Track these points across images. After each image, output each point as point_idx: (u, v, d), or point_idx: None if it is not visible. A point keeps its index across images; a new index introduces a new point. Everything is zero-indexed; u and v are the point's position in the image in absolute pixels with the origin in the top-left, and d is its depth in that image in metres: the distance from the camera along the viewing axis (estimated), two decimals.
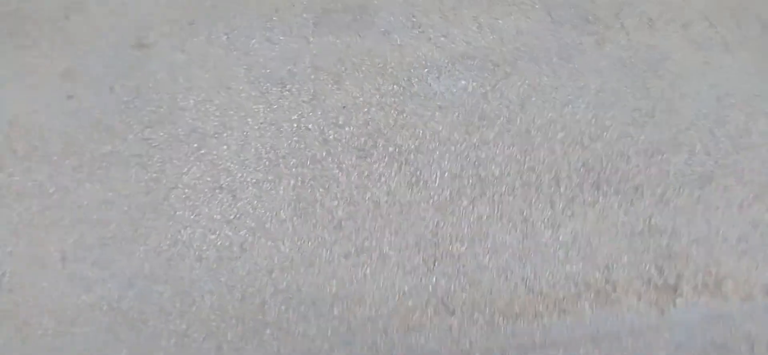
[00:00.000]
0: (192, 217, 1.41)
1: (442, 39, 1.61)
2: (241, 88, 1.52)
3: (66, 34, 1.58)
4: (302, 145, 1.46)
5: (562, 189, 1.40)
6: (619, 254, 1.35)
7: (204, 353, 1.31)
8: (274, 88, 1.52)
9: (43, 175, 1.46)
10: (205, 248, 1.38)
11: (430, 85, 1.53)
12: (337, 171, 1.43)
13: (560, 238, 1.36)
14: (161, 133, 1.48)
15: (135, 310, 1.35)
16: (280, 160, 1.44)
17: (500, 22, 1.63)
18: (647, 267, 1.33)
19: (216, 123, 1.49)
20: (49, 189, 1.45)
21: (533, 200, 1.40)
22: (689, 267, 1.33)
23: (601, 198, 1.39)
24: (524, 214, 1.39)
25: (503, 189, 1.41)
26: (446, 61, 1.55)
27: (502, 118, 1.48)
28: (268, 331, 1.32)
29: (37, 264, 1.40)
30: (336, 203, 1.40)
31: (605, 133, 1.46)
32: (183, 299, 1.35)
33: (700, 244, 1.34)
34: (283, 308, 1.34)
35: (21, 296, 1.37)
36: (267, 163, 1.45)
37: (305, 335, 1.31)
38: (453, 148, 1.46)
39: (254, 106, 1.50)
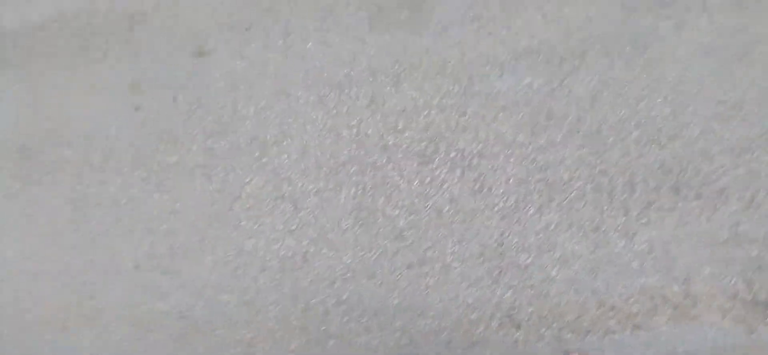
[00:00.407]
0: (255, 227, 1.43)
1: (504, 32, 1.52)
2: (299, 94, 1.52)
3: (131, 45, 1.62)
4: (362, 152, 1.44)
5: (637, 194, 1.32)
6: (701, 265, 1.26)
7: None
8: (332, 93, 1.50)
9: (115, 187, 1.53)
10: (268, 258, 1.41)
11: (493, 83, 1.46)
12: (398, 178, 1.40)
13: (635, 247, 1.29)
14: (223, 143, 1.51)
15: (204, 319, 1.40)
16: (340, 167, 1.44)
17: (566, 10, 1.52)
18: (733, 280, 1.24)
19: (276, 131, 1.49)
20: (122, 200, 1.52)
21: (605, 207, 1.32)
22: None
23: (680, 203, 1.30)
24: (595, 222, 1.31)
25: (572, 195, 1.34)
26: (509, 56, 1.47)
27: (570, 117, 1.40)
28: (331, 342, 1.34)
29: (114, 272, 1.48)
30: (397, 211, 1.38)
31: (685, 131, 1.34)
32: (249, 309, 1.39)
33: None
34: (345, 319, 1.34)
35: (101, 301, 1.46)
36: (327, 171, 1.44)
37: (368, 346, 1.32)
38: (518, 151, 1.39)
39: (313, 113, 1.50)
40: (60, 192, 1.58)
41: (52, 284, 1.50)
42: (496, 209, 1.36)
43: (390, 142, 1.44)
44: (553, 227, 1.33)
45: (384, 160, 1.43)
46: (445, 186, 1.40)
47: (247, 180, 1.48)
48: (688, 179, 1.32)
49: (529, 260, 1.32)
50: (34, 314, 1.49)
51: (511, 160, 1.39)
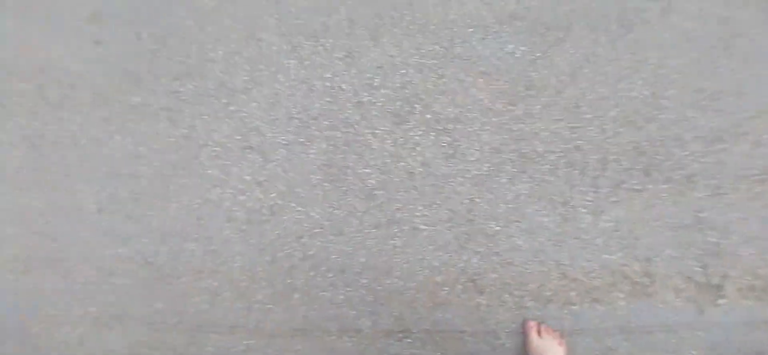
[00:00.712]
0: (222, 176, 1.40)
1: None
2: (272, 40, 1.44)
3: None
4: (335, 107, 1.40)
5: (608, 172, 1.32)
6: (662, 246, 1.29)
7: (234, 312, 1.35)
8: (307, 43, 1.43)
9: (75, 126, 1.46)
10: (235, 208, 1.38)
11: (474, 47, 1.41)
12: (371, 137, 1.37)
13: (601, 225, 1.30)
14: (190, 86, 1.44)
15: (168, 266, 1.38)
16: (312, 121, 1.39)
17: None
18: (691, 263, 1.28)
19: (246, 78, 1.43)
20: (82, 140, 1.45)
21: (576, 182, 1.32)
22: (737, 268, 1.26)
23: (649, 185, 1.31)
24: (565, 196, 1.32)
25: (545, 168, 1.34)
26: (493, 20, 1.41)
27: (550, 89, 1.37)
28: (296, 296, 1.34)
29: (76, 214, 1.43)
30: (368, 170, 1.36)
31: (662, 115, 1.34)
32: (214, 258, 1.37)
33: (752, 244, 1.27)
34: (311, 274, 1.35)
35: (63, 244, 1.42)
36: (298, 123, 1.40)
37: (332, 301, 1.33)
38: (495, 119, 1.37)
39: (285, 61, 1.43)
40: (14, 127, 1.50)
41: (12, 226, 1.45)
42: (468, 175, 1.35)
43: (364, 99, 1.40)
44: (523, 197, 1.34)
45: (357, 117, 1.39)
46: (418, 148, 1.37)
47: (215, 127, 1.42)
48: (659, 162, 1.32)
49: (497, 228, 1.33)
50: None
51: (487, 127, 1.37)
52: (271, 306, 1.36)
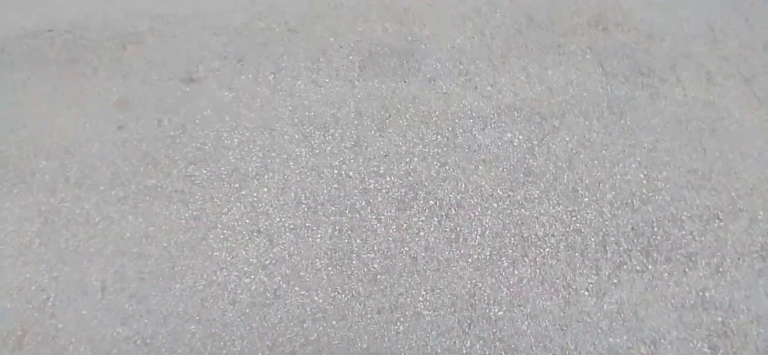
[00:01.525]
0: (229, 258, 1.49)
1: (489, 88, 1.65)
2: (284, 129, 1.61)
3: (122, 64, 1.72)
4: (342, 193, 1.52)
5: (608, 254, 1.41)
6: (668, 328, 1.34)
7: None
8: (317, 132, 1.60)
9: (90, 204, 1.59)
10: (239, 291, 1.46)
11: (475, 136, 1.57)
12: (376, 222, 1.49)
13: (605, 307, 1.37)
14: (204, 171, 1.59)
15: (167, 348, 1.43)
16: (319, 207, 1.52)
17: (550, 72, 1.66)
18: (699, 345, 1.32)
19: (258, 164, 1.58)
20: (95, 218, 1.57)
21: (578, 265, 1.41)
22: (747, 348, 1.30)
23: (650, 266, 1.39)
24: (567, 279, 1.40)
25: (546, 251, 1.43)
26: (492, 111, 1.59)
27: (548, 175, 1.50)
28: None
29: (79, 291, 1.51)
30: (372, 255, 1.46)
31: (657, 196, 1.46)
32: (214, 341, 1.43)
33: (760, 323, 1.32)
34: None
35: (62, 321, 1.48)
36: (306, 209, 1.52)
37: None
38: (496, 204, 1.49)
39: (297, 150, 1.59)
40: (32, 203, 1.63)
41: (13, 298, 1.52)
42: (470, 259, 1.44)
43: (370, 186, 1.54)
44: (525, 281, 1.41)
45: (363, 203, 1.52)
46: (421, 233, 1.48)
47: (225, 211, 1.55)
48: (658, 242, 1.42)
49: (500, 313, 1.39)
50: None
51: (488, 212, 1.49)
52: None
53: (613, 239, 1.43)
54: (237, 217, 1.53)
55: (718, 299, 1.35)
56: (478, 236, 1.45)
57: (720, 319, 1.34)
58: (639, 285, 1.38)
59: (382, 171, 1.54)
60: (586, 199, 1.48)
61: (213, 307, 1.45)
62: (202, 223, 1.53)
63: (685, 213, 1.44)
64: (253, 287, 1.46)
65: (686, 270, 1.38)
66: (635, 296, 1.37)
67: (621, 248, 1.42)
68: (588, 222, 1.45)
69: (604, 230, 1.44)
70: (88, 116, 1.69)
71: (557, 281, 1.40)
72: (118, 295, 1.50)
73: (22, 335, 1.49)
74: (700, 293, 1.36)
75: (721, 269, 1.37)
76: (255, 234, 1.50)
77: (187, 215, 1.55)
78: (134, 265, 1.52)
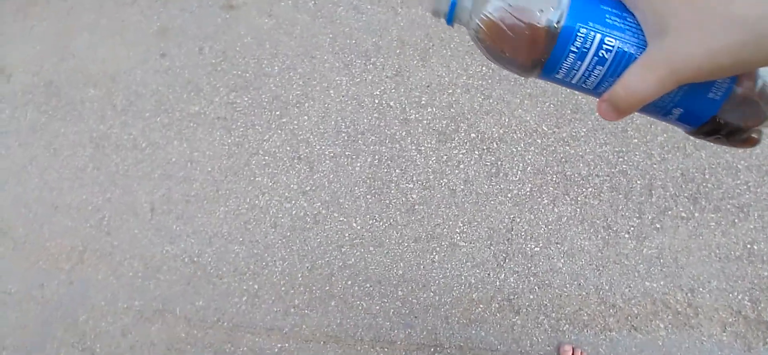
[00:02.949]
0: (270, 184, 1.70)
1: None
2: (325, 57, 1.77)
3: None
4: (382, 123, 1.69)
5: (653, 198, 1.53)
6: (709, 277, 1.46)
7: (272, 315, 1.62)
8: (358, 61, 1.75)
9: (136, 130, 1.82)
10: (280, 215, 1.68)
11: None
12: (416, 153, 1.65)
13: (644, 251, 1.50)
14: (246, 99, 1.78)
15: (212, 266, 1.68)
16: (359, 136, 1.69)
17: None
18: (739, 297, 1.44)
19: (298, 92, 1.75)
20: (142, 143, 1.81)
21: (620, 207, 1.53)
22: None
23: (696, 214, 1.50)
24: (608, 220, 1.53)
25: (589, 191, 1.56)
26: None
27: (597, 113, 1.61)
28: (332, 303, 1.60)
29: (130, 212, 1.77)
30: (411, 185, 1.63)
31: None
32: (256, 262, 1.66)
33: None
34: (349, 283, 1.60)
35: (117, 239, 1.75)
36: (346, 137, 1.70)
37: (368, 311, 1.58)
38: (539, 140, 1.61)
39: (337, 78, 1.75)
40: (83, 130, 1.88)
41: (71, 218, 1.80)
42: (509, 194, 1.59)
43: (411, 116, 1.69)
44: (564, 219, 1.56)
45: (403, 134, 1.68)
46: (461, 166, 1.63)
47: (266, 137, 1.75)
48: (708, 190, 1.52)
49: (536, 249, 1.55)
50: (53, 243, 1.80)
51: (532, 148, 1.62)
52: (307, 311, 1.62)
53: (659, 183, 1.54)
54: (278, 144, 1.72)
55: (766, 253, 1.46)
56: (519, 172, 1.59)
57: (766, 273, 1.44)
58: (683, 232, 1.50)
59: (423, 102, 1.69)
60: (636, 140, 1.58)
61: (255, 229, 1.68)
62: (244, 149, 1.74)
63: (743, 162, 1.52)
64: (294, 211, 1.67)
65: (735, 221, 1.48)
66: (677, 243, 1.49)
67: (667, 193, 1.53)
68: (635, 164, 1.56)
69: (651, 173, 1.55)
70: (130, 45, 1.89)
71: (597, 221, 1.54)
72: (166, 216, 1.75)
73: (83, 251, 1.77)
74: (748, 246, 1.47)
75: None
76: (296, 161, 1.70)
77: (229, 141, 1.76)
78: (180, 188, 1.76)
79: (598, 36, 0.38)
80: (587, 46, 0.38)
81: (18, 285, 1.77)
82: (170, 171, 1.77)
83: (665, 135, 1.56)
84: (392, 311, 1.56)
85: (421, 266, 1.57)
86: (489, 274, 1.54)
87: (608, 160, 1.57)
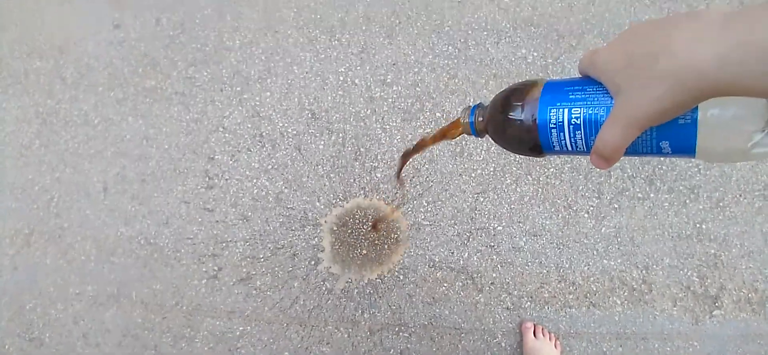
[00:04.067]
0: (230, 162, 1.79)
1: (507, 0, 1.87)
2: (288, 32, 1.86)
3: None
4: (346, 101, 1.80)
5: (612, 180, 1.69)
6: (662, 255, 1.64)
7: (233, 296, 1.72)
8: (323, 36, 1.85)
9: (88, 105, 1.87)
10: (241, 194, 1.77)
11: (488, 50, 1.81)
12: (380, 131, 1.77)
13: (602, 230, 1.67)
14: (205, 73, 1.86)
15: (170, 248, 1.77)
16: (323, 113, 1.79)
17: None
18: (689, 273, 1.63)
19: (261, 68, 1.84)
20: (94, 119, 1.87)
21: (580, 187, 1.70)
22: (734, 280, 1.61)
23: (652, 194, 1.68)
24: (569, 200, 1.69)
25: (550, 171, 1.71)
26: (508, 25, 1.82)
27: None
28: (295, 284, 1.72)
29: (82, 192, 1.83)
30: (375, 164, 1.75)
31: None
32: (216, 243, 1.76)
33: (751, 258, 1.62)
34: (312, 263, 1.72)
35: (67, 221, 1.81)
36: (309, 115, 1.80)
37: (331, 292, 1.70)
38: None
39: (301, 54, 1.84)
40: (29, 104, 1.92)
41: (17, 198, 1.85)
42: (473, 174, 1.73)
43: (376, 95, 1.80)
44: (527, 199, 1.71)
45: (368, 112, 1.79)
46: None
47: (226, 114, 1.83)
48: (663, 172, 1.70)
49: (499, 228, 1.70)
50: None
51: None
52: (269, 293, 1.73)
53: (618, 164, 1.71)
54: (239, 121, 1.81)
55: (713, 232, 1.65)
56: (483, 152, 1.74)
57: (712, 251, 1.64)
58: (639, 212, 1.67)
59: (389, 80, 1.80)
60: None
61: (215, 209, 1.77)
62: (204, 125, 1.82)
63: None
64: (255, 191, 1.77)
65: (687, 202, 1.67)
66: (634, 223, 1.67)
67: (625, 174, 1.70)
68: None
69: None
70: (80, 14, 1.94)
71: (559, 201, 1.70)
72: (121, 196, 1.82)
73: (29, 234, 1.83)
74: (698, 225, 1.65)
75: (721, 204, 1.66)
76: (257, 139, 1.79)
77: (187, 117, 1.84)
78: (135, 167, 1.83)
79: (565, 111, 0.53)
80: (560, 121, 0.53)
81: None
82: (124, 149, 1.83)
83: None
84: (356, 291, 1.69)
85: (385, 246, 1.70)
86: (452, 252, 1.68)
87: None
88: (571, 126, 0.53)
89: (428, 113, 1.76)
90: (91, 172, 1.83)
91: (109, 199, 1.81)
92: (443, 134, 0.93)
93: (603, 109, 0.51)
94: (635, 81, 0.47)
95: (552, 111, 0.54)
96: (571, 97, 0.54)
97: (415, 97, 1.78)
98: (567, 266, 1.65)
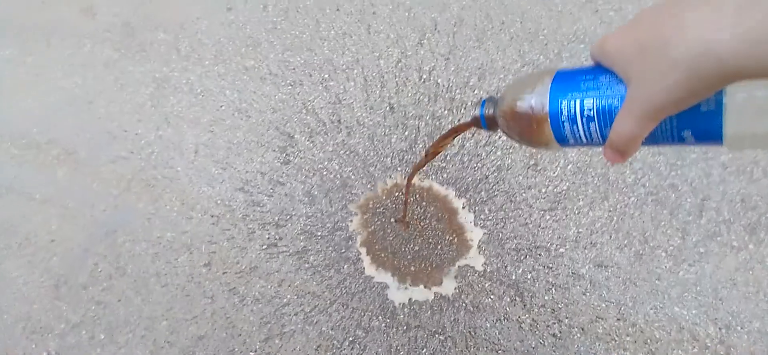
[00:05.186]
0: (307, 143, 2.00)
1: (612, 13, 1.88)
2: (380, 27, 2.05)
3: None
4: (426, 99, 1.92)
5: (703, 220, 1.62)
6: (751, 317, 1.53)
7: (287, 265, 1.90)
8: (413, 34, 2.01)
9: (195, 76, 2.20)
10: (311, 173, 1.97)
11: (583, 62, 1.83)
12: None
13: (680, 274, 1.60)
14: (299, 58, 2.10)
15: (241, 211, 2.00)
16: (401, 108, 1.94)
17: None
18: None
19: (349, 58, 2.04)
20: (198, 89, 2.19)
21: (663, 223, 1.64)
22: None
23: (751, 245, 1.57)
24: (646, 234, 1.65)
25: (631, 200, 1.68)
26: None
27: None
28: (345, 266, 1.85)
29: (177, 151, 2.15)
30: (444, 164, 1.85)
31: None
32: (282, 214, 1.96)
33: None
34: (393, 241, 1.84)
35: (161, 173, 2.14)
36: (387, 108, 1.95)
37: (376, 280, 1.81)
38: None
39: (389, 50, 2.01)
40: (148, 70, 2.30)
41: (125, 148, 2.22)
42: (544, 190, 1.75)
43: (457, 96, 1.91)
44: (598, 225, 1.69)
45: (445, 112, 1.90)
46: (498, 153, 1.82)
47: (312, 98, 2.05)
48: None
49: (561, 250, 1.70)
50: (107, 168, 2.22)
51: (576, 148, 1.77)
52: (320, 269, 1.89)
53: (713, 205, 1.63)
54: (321, 105, 2.02)
55: None
56: (558, 168, 1.75)
57: None
58: (730, 262, 1.58)
59: (471, 83, 1.90)
60: (694, 155, 1.68)
61: (286, 183, 1.98)
62: (289, 106, 2.05)
63: None
64: (325, 172, 1.95)
65: None
66: (721, 273, 1.57)
67: (720, 218, 1.61)
68: (689, 180, 1.66)
69: (705, 193, 1.64)
70: None
71: (634, 233, 1.66)
72: (207, 159, 2.10)
73: (131, 180, 2.18)
74: None
75: None
76: (335, 124, 1.98)
77: (276, 97, 2.08)
78: (225, 135, 2.11)
79: (577, 102, 0.54)
80: (573, 112, 0.54)
81: (74, 201, 2.21)
82: (218, 117, 2.13)
83: (730, 155, 1.65)
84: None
85: (438, 246, 1.78)
86: (507, 266, 1.71)
87: (659, 172, 1.68)
88: (584, 117, 0.54)
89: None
90: (188, 134, 2.14)
91: (198, 160, 2.10)
92: (456, 130, 1.00)
93: (617, 99, 0.52)
94: (647, 70, 0.47)
95: (563, 102, 0.55)
96: (583, 86, 0.55)
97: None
98: (630, 305, 1.60)
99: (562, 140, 0.58)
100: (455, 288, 1.72)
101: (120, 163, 2.19)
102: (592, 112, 0.53)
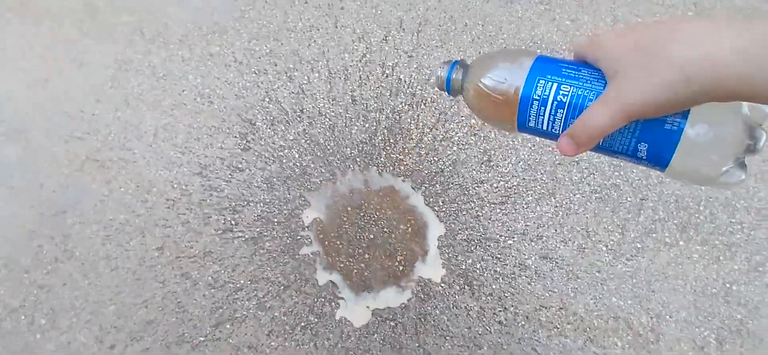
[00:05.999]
0: (269, 130, 2.18)
1: (568, 23, 2.13)
2: (347, 22, 2.25)
3: None
4: (387, 93, 2.13)
5: (641, 218, 1.85)
6: (679, 308, 1.76)
7: (241, 251, 2.06)
8: (379, 31, 2.21)
9: (158, 59, 2.37)
10: (271, 161, 2.14)
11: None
12: (413, 127, 2.07)
13: (618, 267, 1.82)
14: (264, 47, 2.28)
15: (197, 196, 2.16)
16: (363, 101, 2.13)
17: (639, 20, 2.09)
18: (706, 333, 1.72)
19: (315, 51, 2.23)
20: (160, 72, 2.35)
21: (604, 219, 1.87)
22: (757, 353, 1.69)
23: (681, 242, 1.81)
24: (589, 230, 1.87)
25: (576, 198, 1.91)
26: (564, 48, 2.07)
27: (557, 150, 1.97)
28: (300, 252, 2.03)
29: (135, 133, 2.30)
30: (402, 157, 2.05)
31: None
32: (239, 200, 2.13)
33: None
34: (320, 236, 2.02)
35: (117, 155, 2.28)
36: (350, 100, 2.15)
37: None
38: (538, 139, 1.99)
39: (355, 45, 2.22)
40: (111, 51, 2.45)
41: (81, 128, 2.36)
42: (495, 184, 1.97)
43: (417, 92, 2.12)
44: (545, 219, 1.91)
45: (405, 107, 2.11)
46: (454, 147, 2.03)
47: (275, 87, 2.23)
48: (700, 222, 1.82)
49: (510, 242, 1.91)
50: (61, 148, 2.36)
51: (528, 144, 1.99)
52: (275, 256, 2.05)
53: (650, 204, 1.86)
54: (285, 95, 2.20)
55: (745, 296, 1.74)
56: (510, 164, 1.97)
57: (739, 316, 1.72)
58: (663, 257, 1.81)
59: (432, 81, 2.11)
60: None
61: (245, 170, 2.15)
62: (253, 94, 2.23)
63: (743, 202, 1.82)
64: (284, 160, 2.13)
65: (720, 258, 1.78)
66: (655, 267, 1.80)
67: (656, 216, 1.85)
68: (630, 181, 1.89)
69: (644, 193, 1.87)
70: None
71: (578, 228, 1.88)
72: (166, 143, 2.26)
73: (84, 160, 2.31)
74: (727, 286, 1.75)
75: (759, 269, 1.75)
76: (297, 114, 2.17)
77: (240, 84, 2.26)
78: (185, 119, 2.26)
79: (555, 85, 0.56)
80: (546, 95, 0.56)
81: (22, 181, 2.33)
82: (180, 101, 2.29)
83: None
84: (355, 272, 1.97)
85: (393, 235, 1.97)
86: (458, 255, 1.91)
87: (603, 172, 1.91)
88: (555, 102, 0.56)
89: (464, 119, 2.04)
90: (147, 116, 2.29)
91: (156, 143, 2.25)
92: None
93: (593, 94, 0.54)
94: (638, 65, 0.49)
95: (541, 82, 0.56)
96: (563, 73, 0.57)
97: (457, 101, 2.07)
98: (572, 295, 1.81)
99: (523, 123, 0.60)
100: (407, 276, 1.91)
101: (74, 143, 2.32)
102: (565, 100, 0.55)
